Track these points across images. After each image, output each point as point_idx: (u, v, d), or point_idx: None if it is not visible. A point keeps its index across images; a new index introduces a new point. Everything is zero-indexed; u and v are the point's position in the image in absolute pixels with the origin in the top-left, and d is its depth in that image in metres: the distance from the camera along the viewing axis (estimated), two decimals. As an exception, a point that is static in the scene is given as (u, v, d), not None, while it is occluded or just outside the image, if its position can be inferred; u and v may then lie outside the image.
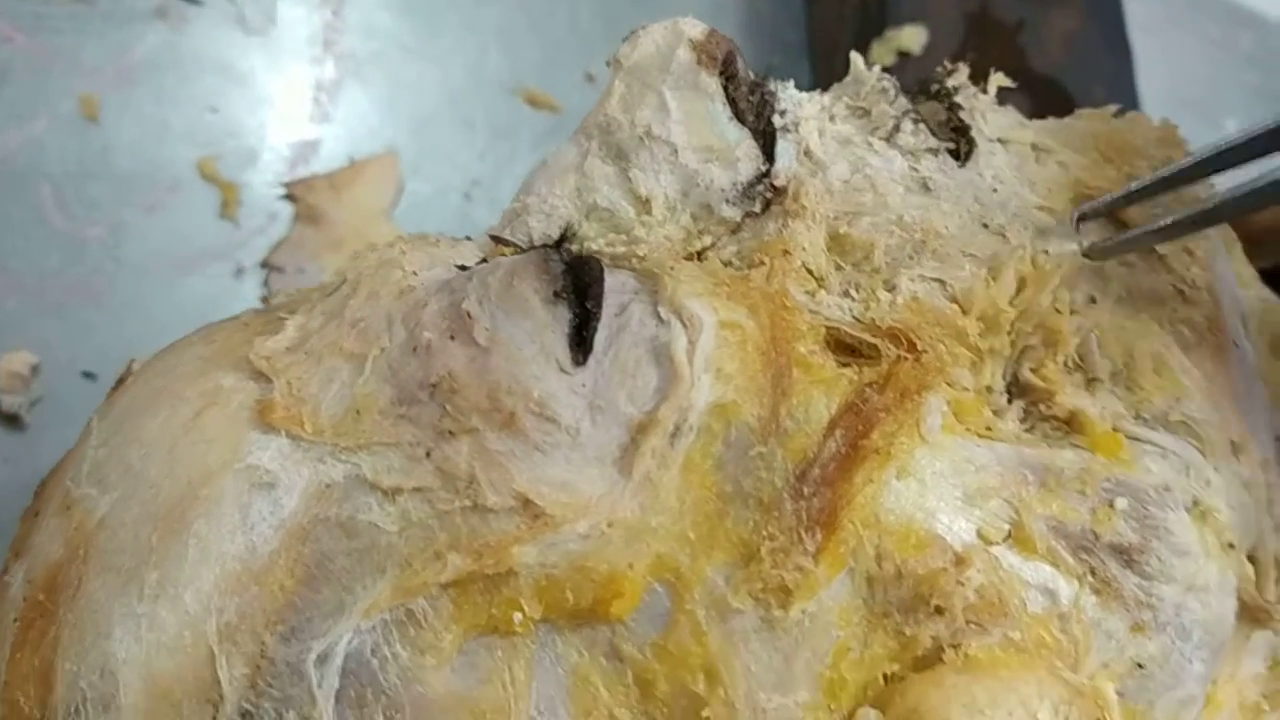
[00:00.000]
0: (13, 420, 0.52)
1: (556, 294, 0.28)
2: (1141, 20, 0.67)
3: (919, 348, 0.29)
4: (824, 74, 0.65)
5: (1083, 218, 0.33)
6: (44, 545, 0.30)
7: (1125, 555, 0.29)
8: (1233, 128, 0.74)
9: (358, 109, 0.61)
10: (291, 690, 0.27)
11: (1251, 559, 0.31)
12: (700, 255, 0.32)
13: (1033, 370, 0.30)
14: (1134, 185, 0.32)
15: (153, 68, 0.59)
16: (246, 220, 0.57)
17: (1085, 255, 0.32)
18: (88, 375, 0.53)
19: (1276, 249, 0.43)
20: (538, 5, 0.65)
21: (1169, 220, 0.30)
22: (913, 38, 0.58)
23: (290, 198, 0.58)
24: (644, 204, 0.33)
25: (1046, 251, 0.31)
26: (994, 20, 0.60)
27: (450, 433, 0.27)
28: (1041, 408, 0.30)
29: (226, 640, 0.27)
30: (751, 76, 0.34)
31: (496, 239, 0.34)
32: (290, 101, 0.60)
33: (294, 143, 0.59)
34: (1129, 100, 0.62)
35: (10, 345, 0.52)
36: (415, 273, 0.31)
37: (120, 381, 0.34)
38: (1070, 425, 0.30)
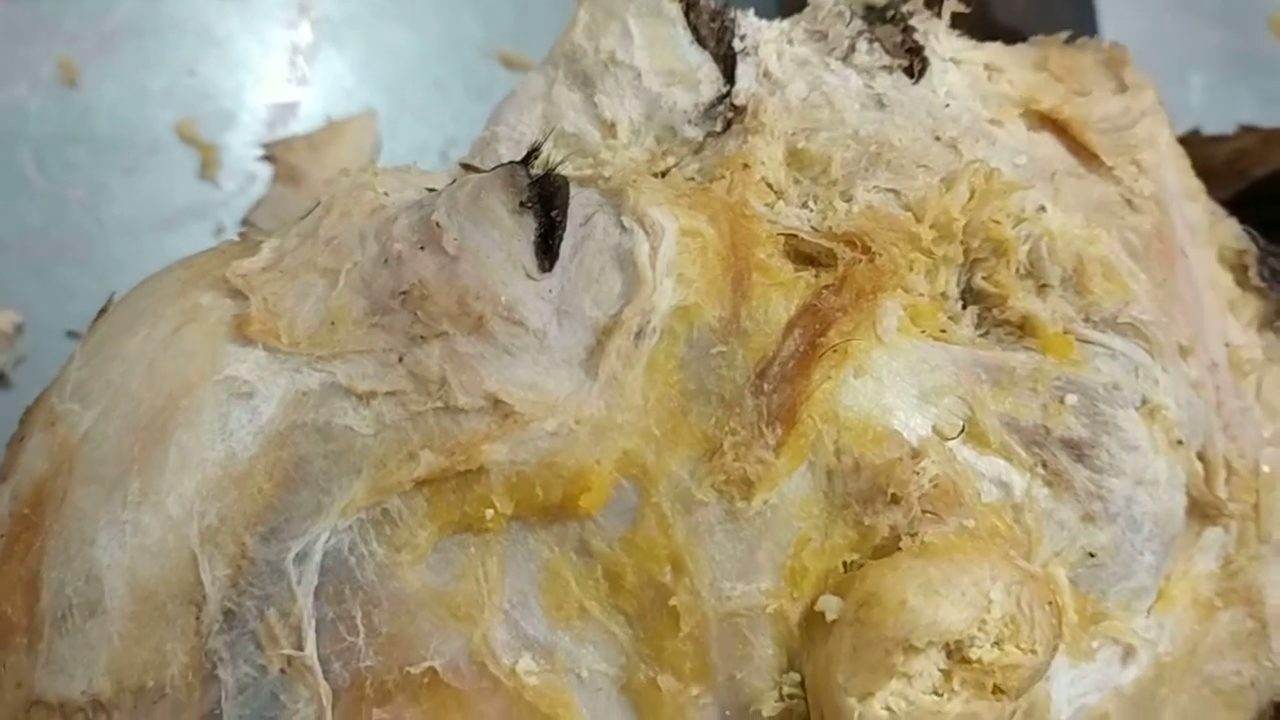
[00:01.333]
0: (-2, 378, 0.52)
1: (523, 204, 0.29)
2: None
3: (874, 250, 0.30)
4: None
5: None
6: (29, 463, 0.30)
7: (1076, 449, 0.30)
8: (1198, 84, 0.75)
9: (334, 71, 0.62)
10: (272, 588, 0.27)
11: (1201, 458, 0.32)
12: (664, 175, 0.33)
13: (985, 277, 0.31)
14: None
15: (131, 32, 0.59)
16: (226, 181, 0.58)
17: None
18: (72, 335, 0.54)
19: (1233, 179, 0.45)
20: (511, -33, 0.66)
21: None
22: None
23: (269, 158, 0.59)
24: (609, 128, 0.34)
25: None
26: (958, -28, 0.61)
27: (421, 338, 0.28)
28: (994, 313, 0.31)
29: (208, 542, 0.28)
30: (712, 5, 0.35)
31: (467, 167, 0.35)
32: (268, 64, 0.61)
33: (272, 105, 0.60)
34: (1093, 50, 0.62)
35: (-6, 306, 0.53)
36: (387, 194, 0.32)
37: (101, 313, 0.35)
38: (1022, 329, 0.31)
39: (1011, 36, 0.61)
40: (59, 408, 0.30)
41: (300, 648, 0.27)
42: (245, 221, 0.57)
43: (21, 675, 0.29)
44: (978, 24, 0.37)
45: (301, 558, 0.27)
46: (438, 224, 0.29)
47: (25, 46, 0.58)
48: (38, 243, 0.55)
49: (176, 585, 0.28)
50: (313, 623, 0.27)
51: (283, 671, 0.27)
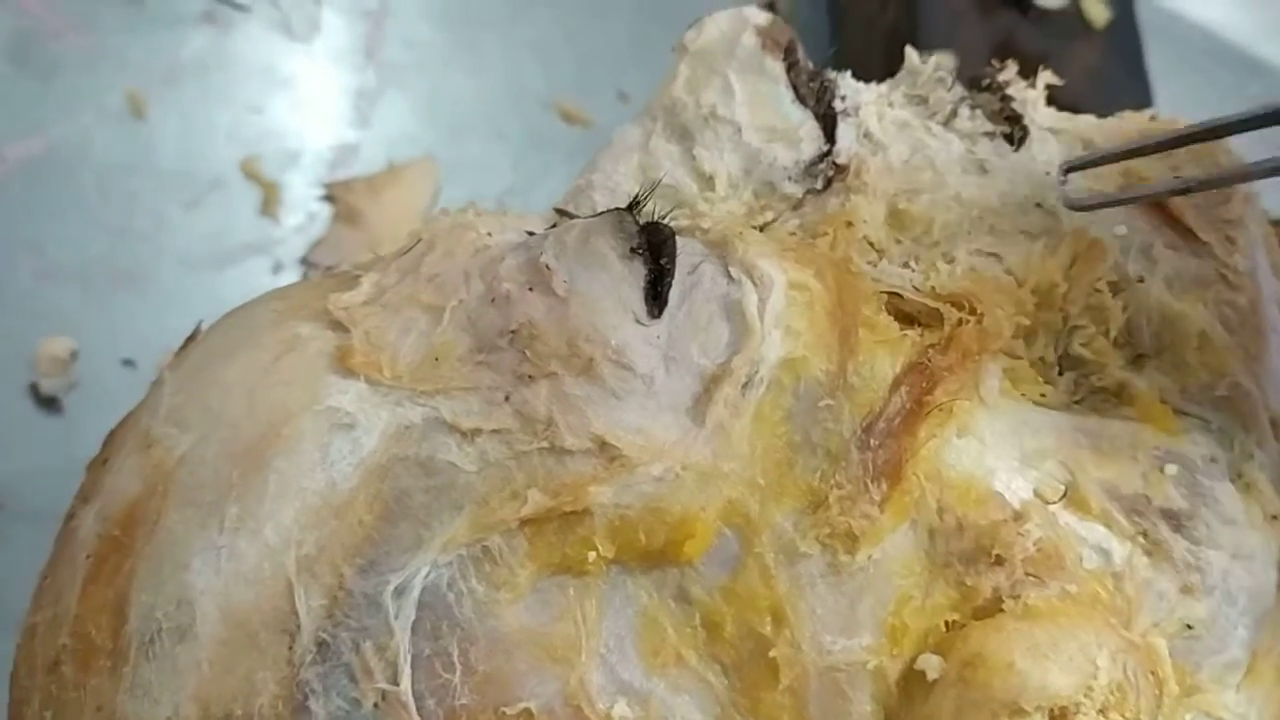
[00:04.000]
0: (51, 403, 0.52)
1: (633, 249, 0.29)
2: (1159, 65, 0.69)
3: (980, 312, 0.30)
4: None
5: (1069, 169, 0.34)
6: (119, 484, 0.30)
7: (1175, 520, 0.30)
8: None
9: (397, 116, 0.62)
10: (368, 621, 0.27)
11: (1292, 535, 0.32)
12: (762, 229, 0.33)
13: (1083, 344, 0.32)
14: (1123, 145, 0.33)
15: (199, 68, 0.60)
16: (286, 218, 0.59)
17: (1067, 205, 0.33)
18: (127, 363, 0.54)
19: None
20: (573, 23, 0.67)
21: (1152, 187, 0.32)
22: (941, 65, 0.59)
23: (330, 198, 0.59)
24: (707, 181, 0.34)
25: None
26: (1019, 51, 0.62)
27: (529, 377, 0.28)
28: (1092, 380, 0.31)
29: (305, 572, 0.27)
30: (810, 65, 0.36)
31: (561, 212, 0.35)
32: (331, 106, 0.62)
33: (334, 145, 0.61)
34: (1147, 133, 0.63)
35: (50, 330, 0.53)
36: (490, 234, 0.32)
37: (189, 341, 0.35)
38: (1120, 397, 0.31)
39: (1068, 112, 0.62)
40: (155, 430, 0.30)
41: (395, 683, 0.26)
42: (304, 260, 0.57)
43: (103, 699, 0.28)
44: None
45: (400, 592, 0.27)
46: (547, 266, 0.29)
47: (94, 77, 0.59)
48: (96, 271, 0.55)
49: (270, 614, 0.27)
50: (409, 658, 0.27)
51: (376, 706, 0.27)
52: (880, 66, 0.64)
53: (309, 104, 0.61)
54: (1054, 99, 0.63)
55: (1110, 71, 0.65)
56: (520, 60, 0.65)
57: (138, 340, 0.54)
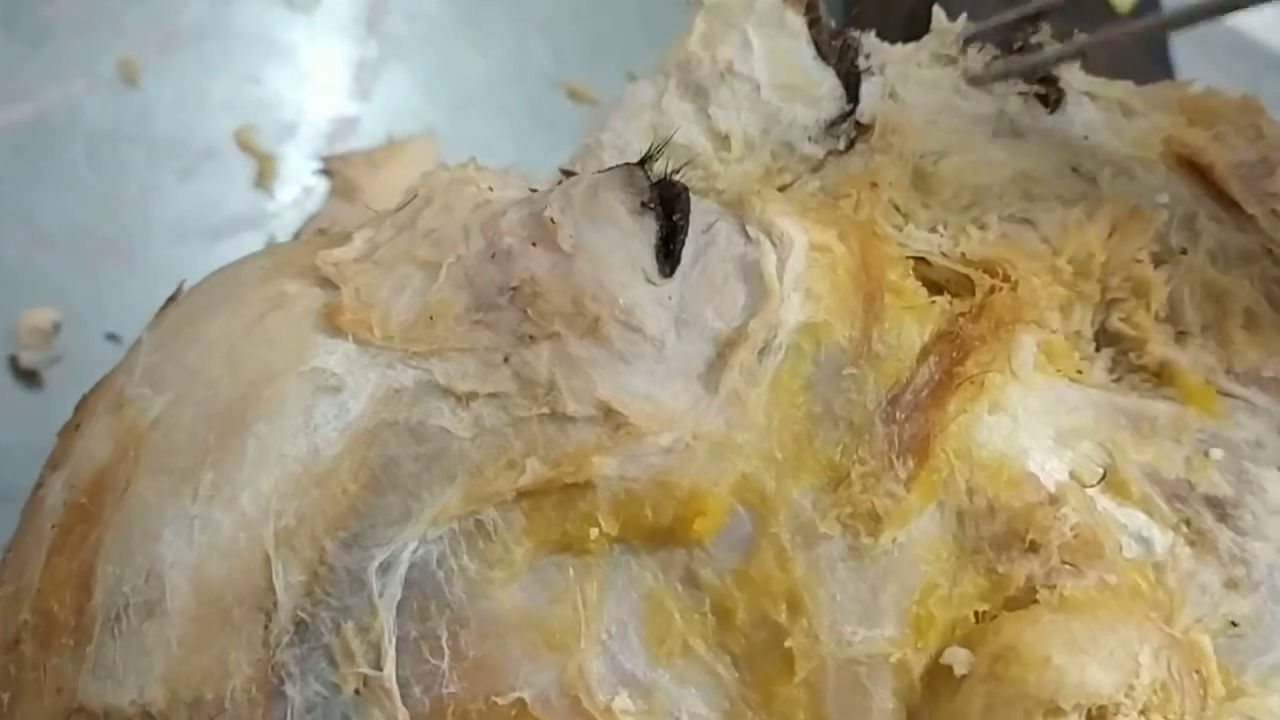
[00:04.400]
0: (30, 377, 0.50)
1: (643, 204, 0.27)
2: (1182, 63, 0.67)
3: (1013, 279, 0.28)
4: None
5: (968, 41, 0.33)
6: (89, 449, 0.28)
7: (1220, 508, 0.28)
8: None
9: (399, 89, 0.60)
10: (350, 599, 0.25)
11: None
12: (781, 190, 0.31)
13: (1122, 319, 0.29)
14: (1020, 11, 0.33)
15: (195, 35, 0.58)
16: (281, 192, 0.57)
17: (968, 81, 0.32)
18: (111, 337, 0.52)
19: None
20: (582, 0, 0.65)
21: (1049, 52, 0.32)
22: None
23: (327, 172, 0.57)
24: (722, 140, 0.32)
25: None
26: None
27: (530, 337, 0.26)
28: (1131, 357, 0.29)
29: (284, 545, 0.25)
30: (832, 23, 0.34)
31: (567, 173, 0.33)
32: (331, 78, 0.60)
33: (333, 118, 0.59)
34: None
35: (34, 300, 0.51)
36: (491, 189, 0.30)
37: (170, 300, 0.33)
38: (1161, 376, 0.29)
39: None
40: (128, 391, 0.28)
41: (378, 667, 0.24)
42: (297, 236, 0.55)
43: (64, 680, 0.26)
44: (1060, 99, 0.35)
45: (385, 568, 0.25)
46: (552, 220, 0.27)
47: (86, 41, 0.57)
48: (83, 241, 0.53)
49: (246, 589, 0.25)
50: (393, 641, 0.25)
51: (357, 692, 0.25)
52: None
53: (308, 75, 0.59)
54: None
55: (1135, 58, 0.63)
56: (527, 36, 0.63)
57: (123, 313, 0.52)
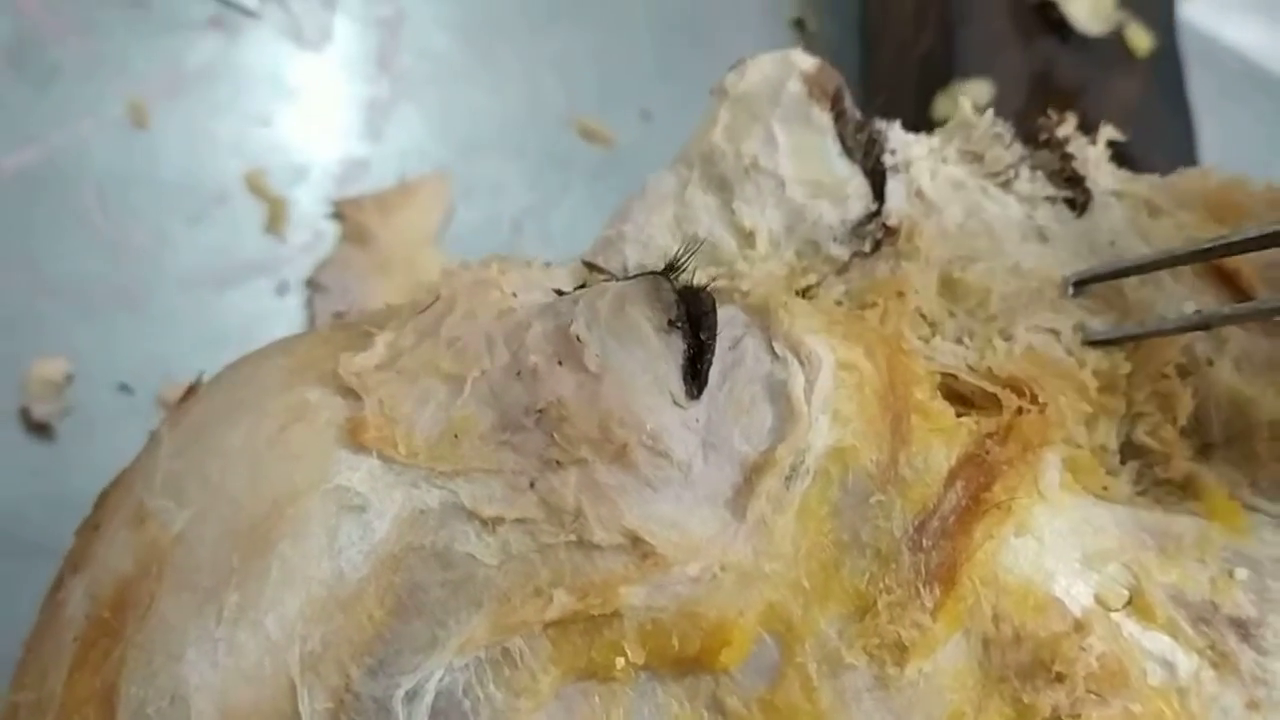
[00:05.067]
0: (43, 429, 0.50)
1: (671, 323, 0.27)
2: (1198, 92, 0.67)
3: (1041, 399, 0.28)
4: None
5: (1079, 283, 0.31)
6: (111, 559, 0.28)
7: (1243, 628, 0.28)
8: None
9: (410, 130, 0.60)
10: (376, 728, 0.25)
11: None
12: (805, 293, 0.31)
13: (1148, 433, 0.29)
14: (1133, 260, 0.31)
15: (204, 77, 0.58)
16: (292, 236, 0.56)
17: (1084, 340, 0.30)
18: (123, 388, 0.52)
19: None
20: (596, 37, 0.65)
21: (1170, 323, 0.29)
22: (979, 92, 0.57)
23: (338, 216, 0.57)
24: (747, 237, 0.32)
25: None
26: (1058, 81, 0.60)
27: (557, 462, 0.26)
28: (1156, 471, 0.29)
29: (309, 671, 0.25)
30: (858, 115, 0.33)
31: (590, 265, 0.33)
32: (342, 118, 0.59)
33: (344, 160, 0.59)
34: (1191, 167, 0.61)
35: (44, 351, 0.51)
36: (514, 294, 0.30)
37: (189, 393, 0.32)
38: (1185, 490, 0.29)
39: (1111, 150, 0.60)
40: (149, 503, 0.28)
41: (406, 797, 0.24)
42: (310, 282, 0.55)
43: (88, 799, 0.26)
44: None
45: (411, 696, 0.25)
46: (578, 337, 0.27)
47: (94, 83, 0.56)
48: (94, 288, 0.53)
49: (271, 716, 0.25)
50: (421, 770, 0.25)
51: (384, 823, 0.25)
52: (913, 93, 0.62)
53: (318, 116, 0.59)
54: (1093, 131, 0.61)
55: (1152, 101, 0.62)
56: (540, 75, 0.63)
57: (135, 364, 0.52)
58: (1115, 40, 0.62)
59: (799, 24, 0.69)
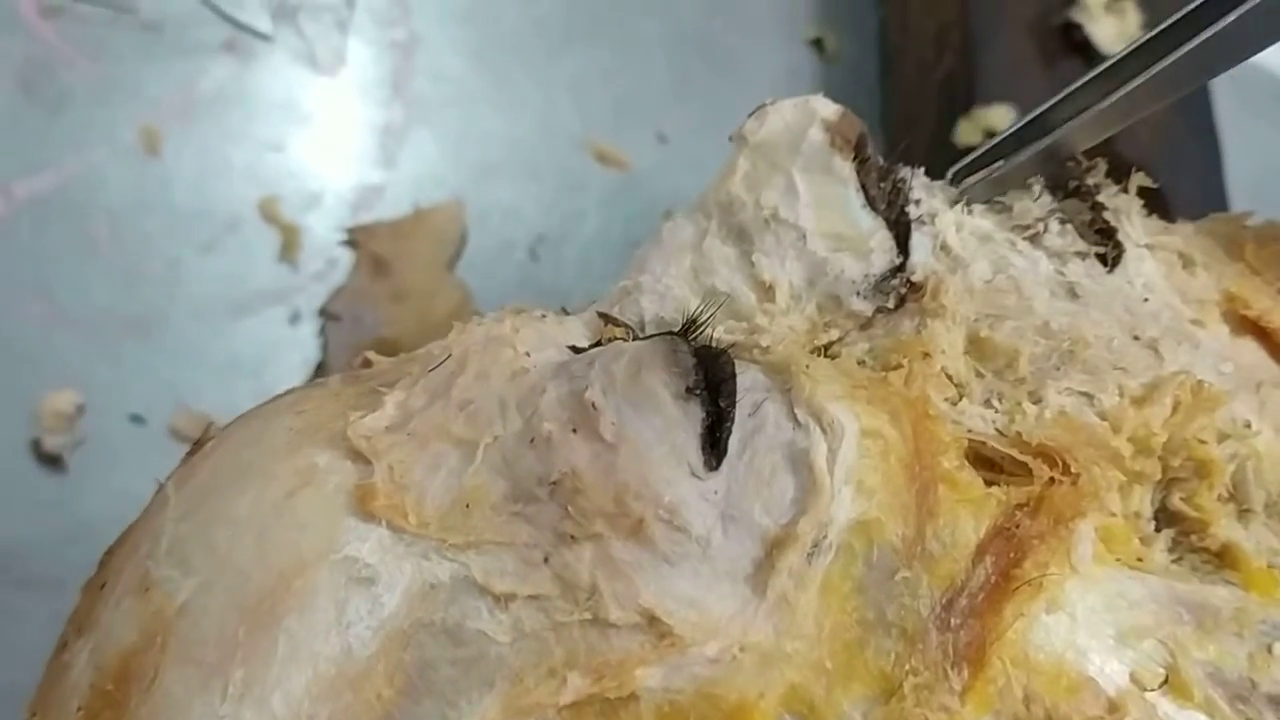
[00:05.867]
0: (54, 462, 0.50)
1: (689, 389, 0.26)
2: (1222, 110, 0.65)
3: (1074, 469, 0.27)
4: (899, 147, 0.64)
5: (957, 175, 0.34)
6: (115, 627, 0.27)
7: (1278, 705, 0.27)
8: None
9: (424, 155, 0.59)
10: (385, 812, 0.24)
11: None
12: (826, 350, 0.30)
13: (1184, 499, 0.28)
14: (1002, 134, 0.34)
15: (218, 102, 0.57)
16: (306, 264, 0.56)
17: (960, 194, 0.33)
18: (135, 419, 0.51)
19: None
20: (610, 60, 0.64)
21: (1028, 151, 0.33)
22: (1002, 117, 0.56)
23: (352, 244, 0.56)
24: (767, 290, 0.31)
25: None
26: (1082, 103, 0.59)
27: (572, 537, 0.25)
28: (1192, 539, 0.28)
29: (316, 752, 0.25)
30: (881, 162, 0.32)
31: (606, 318, 0.32)
32: (356, 144, 0.59)
33: (358, 186, 0.58)
34: (1217, 191, 0.60)
35: (55, 383, 0.51)
36: (528, 353, 0.29)
37: (197, 446, 0.32)
38: (1221, 559, 0.28)
39: (1126, 178, 0.59)
40: (155, 572, 0.27)
41: None
42: (323, 311, 0.54)
43: None
44: (1102, 159, 0.35)
45: (421, 780, 0.24)
46: (594, 404, 0.26)
47: (107, 110, 0.56)
48: (105, 318, 0.52)
49: (277, 798, 0.25)
50: None
51: None
52: (934, 116, 0.61)
53: (332, 141, 0.58)
54: (1119, 154, 0.60)
55: (1177, 124, 0.61)
56: (554, 98, 0.62)
57: (147, 394, 0.51)
58: (1141, 62, 0.61)
59: (818, 44, 0.68)
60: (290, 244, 0.55)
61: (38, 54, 0.55)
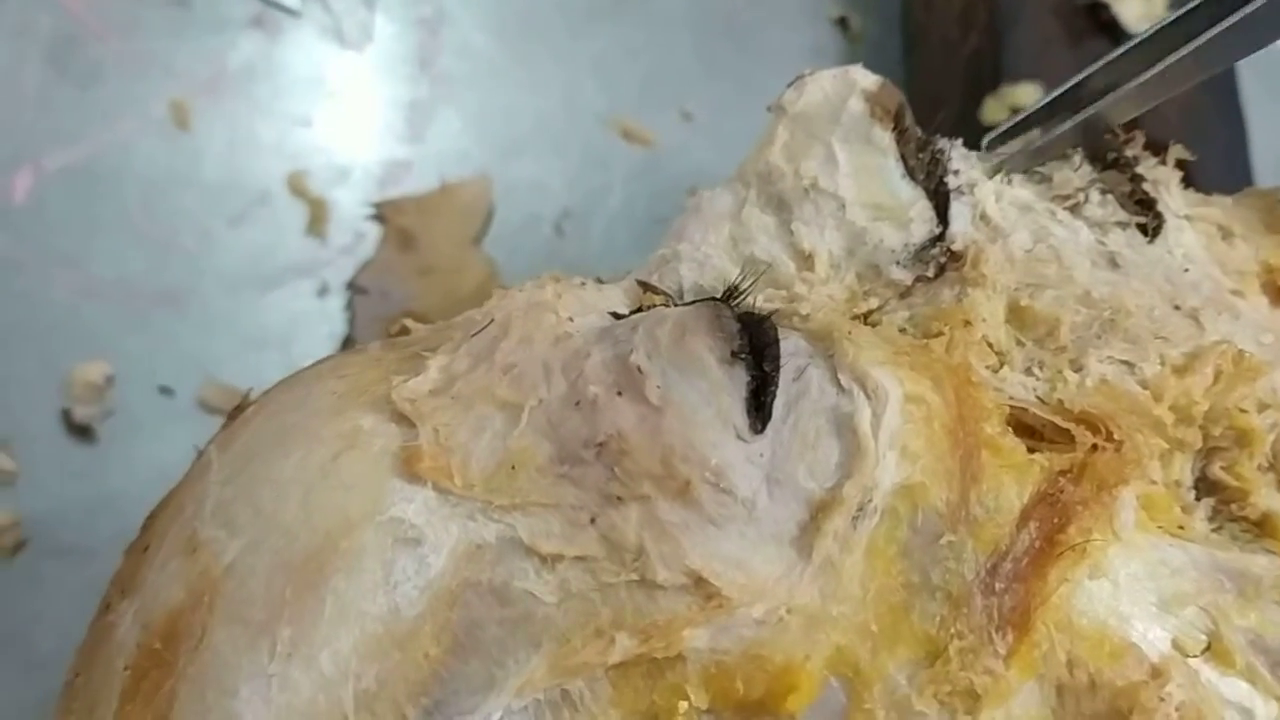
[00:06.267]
0: (84, 432, 0.50)
1: (734, 354, 0.26)
2: (1247, 93, 0.65)
3: (1116, 437, 0.27)
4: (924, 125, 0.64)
5: (991, 145, 0.34)
6: (162, 587, 0.28)
7: (1323, 674, 0.27)
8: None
9: (450, 131, 0.59)
10: (432, 769, 0.25)
11: None
12: (866, 318, 0.30)
13: (1224, 468, 0.28)
14: (1033, 106, 0.35)
15: (246, 77, 0.57)
16: (334, 238, 0.56)
17: (996, 169, 0.33)
18: (164, 390, 0.51)
19: None
20: (635, 37, 0.64)
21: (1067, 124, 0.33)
22: (1029, 96, 0.56)
23: (379, 218, 0.56)
24: (806, 259, 0.31)
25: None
26: (1109, 82, 0.58)
27: (618, 498, 0.25)
28: (1233, 508, 0.28)
29: (363, 709, 0.25)
30: (920, 133, 0.32)
31: (645, 285, 0.32)
32: (383, 119, 0.59)
33: (385, 161, 0.58)
34: (1243, 172, 0.60)
35: (86, 353, 0.51)
36: (570, 318, 0.29)
37: (237, 411, 0.32)
38: (1261, 527, 0.28)
39: (1163, 151, 0.59)
40: (201, 532, 0.27)
41: (462, 841, 0.24)
42: (351, 284, 0.55)
43: (139, 833, 0.26)
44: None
45: (469, 738, 0.24)
46: (639, 368, 0.26)
47: (137, 84, 0.56)
48: (136, 290, 0.53)
49: (325, 755, 0.25)
50: (477, 814, 0.24)
51: None
52: (960, 94, 0.61)
53: (359, 116, 0.58)
54: (1146, 135, 0.59)
55: (1203, 103, 0.61)
56: (580, 74, 0.62)
57: (176, 366, 0.52)
58: (1169, 41, 0.60)
59: (842, 23, 0.68)
60: (318, 218, 0.55)
61: (69, 29, 0.55)
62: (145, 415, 0.51)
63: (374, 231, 0.56)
